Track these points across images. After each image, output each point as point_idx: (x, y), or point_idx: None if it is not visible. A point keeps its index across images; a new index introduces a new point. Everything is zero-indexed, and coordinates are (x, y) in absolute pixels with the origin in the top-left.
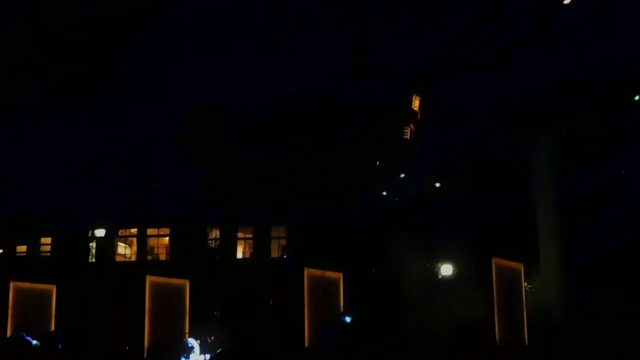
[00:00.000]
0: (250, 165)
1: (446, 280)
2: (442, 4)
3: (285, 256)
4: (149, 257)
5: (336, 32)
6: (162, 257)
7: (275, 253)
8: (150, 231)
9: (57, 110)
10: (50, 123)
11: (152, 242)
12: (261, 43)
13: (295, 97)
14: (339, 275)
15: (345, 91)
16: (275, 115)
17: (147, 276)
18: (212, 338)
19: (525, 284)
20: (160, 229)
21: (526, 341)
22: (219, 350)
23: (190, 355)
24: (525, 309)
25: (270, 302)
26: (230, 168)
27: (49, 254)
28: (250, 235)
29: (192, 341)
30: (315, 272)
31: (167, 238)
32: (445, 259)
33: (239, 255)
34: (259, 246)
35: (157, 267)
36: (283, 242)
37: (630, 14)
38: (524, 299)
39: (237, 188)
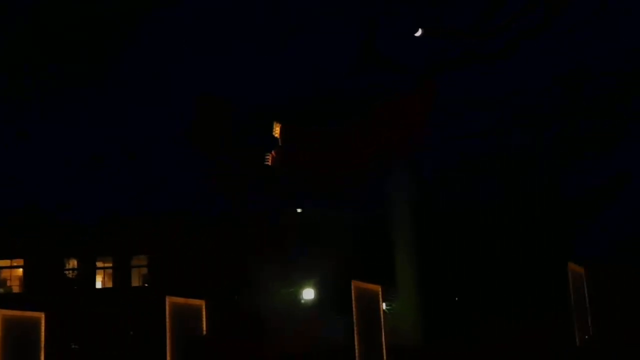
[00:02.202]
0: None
1: (308, 304)
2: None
3: (146, 284)
4: (1, 290)
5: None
6: (16, 289)
7: (135, 282)
8: (2, 262)
9: None
10: None
11: (4, 273)
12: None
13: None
14: (202, 303)
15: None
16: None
17: None
18: None
19: (385, 305)
20: (14, 260)
21: None
22: None
23: None
24: (383, 331)
25: (131, 332)
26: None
27: None
28: (110, 265)
29: None
30: (178, 300)
31: (21, 269)
32: (307, 283)
33: (99, 285)
34: (119, 275)
35: (10, 300)
36: (144, 270)
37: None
38: (382, 320)
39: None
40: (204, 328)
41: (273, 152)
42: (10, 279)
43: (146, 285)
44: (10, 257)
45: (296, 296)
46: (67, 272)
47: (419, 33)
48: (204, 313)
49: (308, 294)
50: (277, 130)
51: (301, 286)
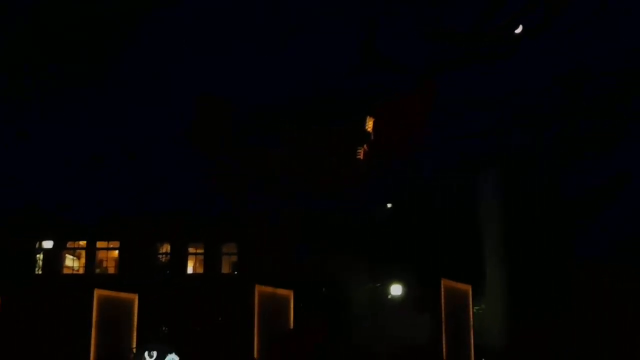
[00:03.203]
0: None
1: (396, 300)
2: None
3: (235, 272)
4: (98, 271)
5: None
6: (111, 270)
7: (226, 269)
8: (99, 244)
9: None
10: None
11: (101, 255)
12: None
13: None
14: (290, 293)
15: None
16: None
17: (95, 290)
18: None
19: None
20: (110, 242)
21: None
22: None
23: None
24: (472, 331)
25: (220, 319)
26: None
27: None
28: (201, 251)
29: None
30: (266, 289)
31: (117, 251)
32: (395, 279)
33: (190, 270)
34: (210, 262)
35: (106, 281)
36: (234, 258)
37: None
38: (471, 320)
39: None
40: (291, 319)
41: (365, 146)
42: (106, 260)
43: (235, 272)
44: (107, 239)
45: (383, 292)
46: (160, 256)
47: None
48: (291, 303)
49: (396, 290)
50: (370, 125)
51: (389, 282)
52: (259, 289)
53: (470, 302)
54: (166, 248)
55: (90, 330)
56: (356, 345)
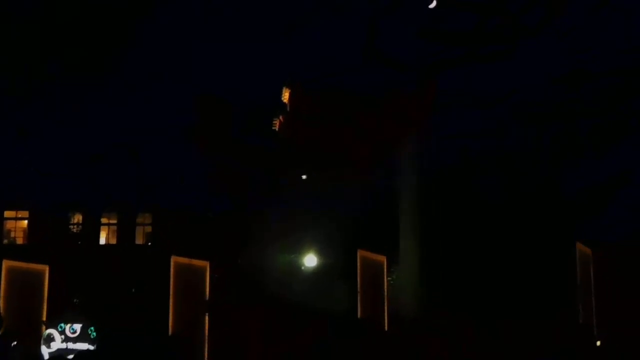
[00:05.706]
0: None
1: (310, 271)
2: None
3: (150, 243)
4: (6, 241)
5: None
6: (20, 241)
7: (140, 240)
8: (7, 213)
9: None
10: None
11: (9, 225)
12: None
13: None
14: (206, 265)
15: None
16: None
17: (3, 261)
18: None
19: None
20: (19, 212)
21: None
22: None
23: (51, 344)
24: (386, 301)
25: (134, 290)
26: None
27: None
28: (115, 221)
29: (52, 331)
30: (182, 260)
31: (26, 221)
32: (310, 250)
33: (102, 241)
34: (124, 232)
35: (15, 252)
36: (148, 229)
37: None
38: (385, 291)
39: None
40: (207, 289)
41: (281, 118)
42: (14, 231)
43: (150, 243)
44: (16, 209)
45: (298, 262)
46: (71, 226)
47: (433, 4)
48: (207, 274)
49: (310, 260)
50: (285, 96)
51: (303, 253)
52: (174, 260)
53: (385, 273)
54: (78, 218)
55: None
56: (271, 316)
